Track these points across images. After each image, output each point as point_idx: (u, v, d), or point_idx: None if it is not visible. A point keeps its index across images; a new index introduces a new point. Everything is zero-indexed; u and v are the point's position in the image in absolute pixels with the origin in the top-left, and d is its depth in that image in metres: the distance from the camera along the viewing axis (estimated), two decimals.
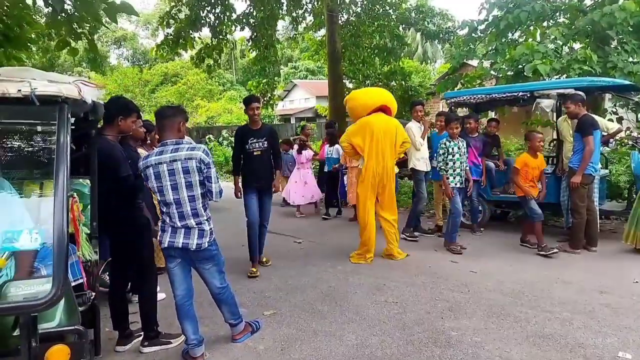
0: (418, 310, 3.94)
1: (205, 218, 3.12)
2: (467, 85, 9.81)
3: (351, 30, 15.13)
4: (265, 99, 14.50)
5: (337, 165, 8.23)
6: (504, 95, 6.25)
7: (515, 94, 6.09)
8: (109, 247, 3.54)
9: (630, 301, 4.01)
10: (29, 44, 6.59)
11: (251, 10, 13.54)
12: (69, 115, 2.13)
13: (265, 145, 4.97)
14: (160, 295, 4.29)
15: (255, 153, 4.96)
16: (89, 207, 3.00)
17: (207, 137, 19.63)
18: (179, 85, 33.66)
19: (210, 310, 3.88)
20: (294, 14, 14.85)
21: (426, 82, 21.98)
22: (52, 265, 1.80)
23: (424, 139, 6.29)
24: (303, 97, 32.01)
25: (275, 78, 14.85)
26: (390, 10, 15.27)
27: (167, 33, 12.90)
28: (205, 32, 13.50)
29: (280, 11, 14.15)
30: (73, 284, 2.68)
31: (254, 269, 5.14)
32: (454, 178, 5.67)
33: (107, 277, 3.96)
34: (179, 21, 12.70)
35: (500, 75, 9.20)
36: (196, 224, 3.07)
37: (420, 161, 6.28)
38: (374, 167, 5.36)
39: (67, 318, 2.23)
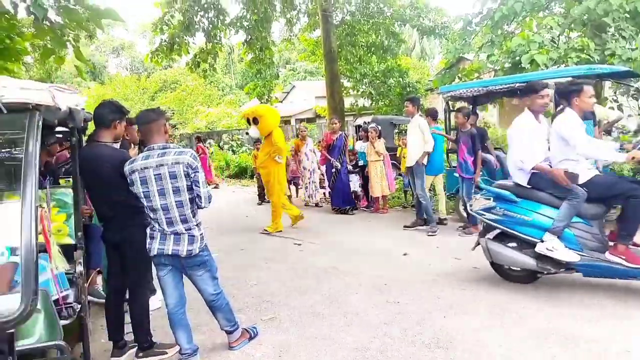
0: (419, 310, 3.83)
1: (195, 223, 3.04)
2: (465, 79, 9.70)
3: (346, 29, 15.07)
4: (262, 101, 14.44)
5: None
6: (501, 87, 6.13)
7: (513, 85, 5.98)
8: (107, 255, 3.46)
9: None
10: (20, 55, 6.54)
11: (245, 13, 13.48)
12: (40, 123, 2.05)
13: None
14: (157, 304, 4.21)
15: None
16: (72, 216, 2.92)
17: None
18: (178, 92, 33.60)
19: (207, 317, 3.77)
20: (288, 16, 14.81)
21: (424, 79, 21.88)
22: (21, 280, 1.71)
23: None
24: (302, 98, 31.87)
25: (273, 81, 14.79)
26: (385, 8, 15.21)
27: (161, 39, 12.85)
28: (200, 37, 13.49)
29: (274, 13, 14.10)
30: (58, 296, 2.61)
31: None
32: None
33: (100, 288, 3.88)
34: (172, 27, 12.65)
35: (498, 68, 9.10)
36: (185, 230, 2.99)
37: None
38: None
39: (48, 333, 2.15)
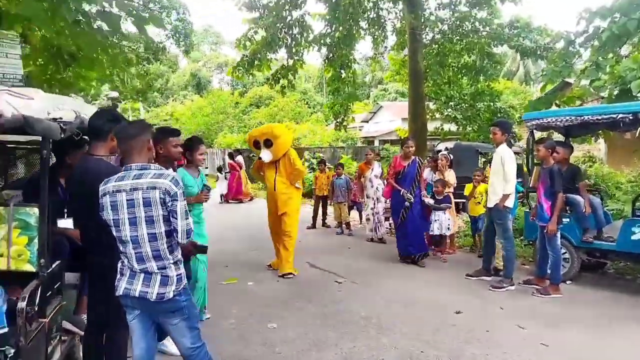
0: None
1: (172, 261, 2.52)
2: (564, 107, 8.42)
3: (436, 49, 14.16)
4: (338, 120, 14.01)
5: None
6: (599, 118, 4.99)
7: (614, 116, 4.83)
8: (89, 284, 3.10)
9: None
10: (94, 64, 6.65)
11: (328, 30, 13.19)
12: None
13: None
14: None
15: None
16: (35, 240, 2.56)
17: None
18: (270, 107, 34.58)
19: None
20: (375, 35, 14.29)
21: (524, 105, 20.06)
22: None
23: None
24: (388, 119, 31.10)
25: (351, 100, 14.25)
26: (480, 27, 14.07)
27: (244, 55, 12.95)
28: (281, 53, 13.41)
29: (359, 31, 13.66)
30: None
31: None
32: None
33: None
34: (255, 43, 12.69)
35: (604, 95, 7.76)
36: (158, 269, 2.48)
37: None
38: None
39: None
